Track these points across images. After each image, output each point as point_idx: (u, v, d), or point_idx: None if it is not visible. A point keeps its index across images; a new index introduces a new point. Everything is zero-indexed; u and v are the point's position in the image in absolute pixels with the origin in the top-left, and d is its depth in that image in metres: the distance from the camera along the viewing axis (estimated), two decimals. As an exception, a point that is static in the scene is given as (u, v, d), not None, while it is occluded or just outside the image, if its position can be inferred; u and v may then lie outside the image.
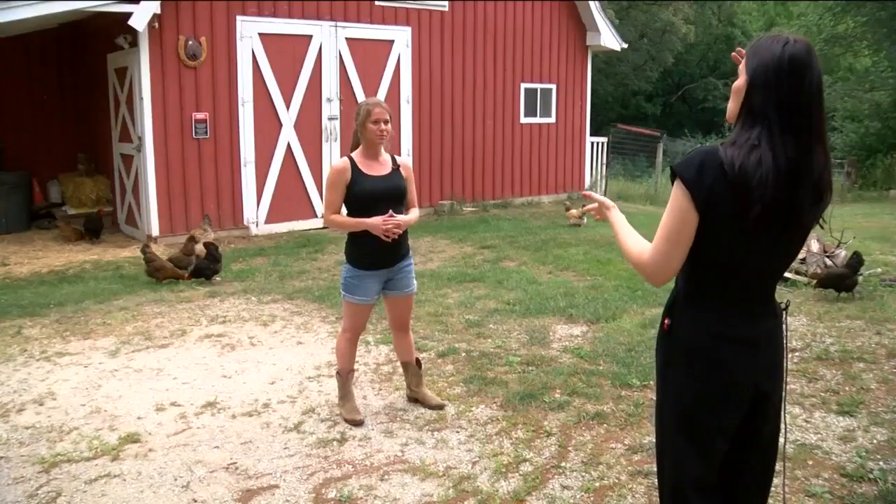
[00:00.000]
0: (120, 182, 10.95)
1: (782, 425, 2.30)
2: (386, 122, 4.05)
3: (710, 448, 2.18)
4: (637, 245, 2.22)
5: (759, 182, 1.94)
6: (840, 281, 6.68)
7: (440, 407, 4.43)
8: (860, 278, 6.86)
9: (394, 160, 4.23)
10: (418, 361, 4.55)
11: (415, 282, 4.37)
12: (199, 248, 8.48)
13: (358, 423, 4.22)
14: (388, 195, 4.08)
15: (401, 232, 4.10)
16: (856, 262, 6.75)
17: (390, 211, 4.06)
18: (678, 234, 2.05)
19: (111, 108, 10.94)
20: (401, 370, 5.08)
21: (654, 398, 2.32)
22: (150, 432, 4.20)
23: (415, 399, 4.52)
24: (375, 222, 4.01)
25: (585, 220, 11.36)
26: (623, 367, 5.06)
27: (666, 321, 2.19)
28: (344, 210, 4.14)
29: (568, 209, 11.56)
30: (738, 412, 2.17)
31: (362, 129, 4.08)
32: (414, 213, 4.25)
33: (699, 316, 2.13)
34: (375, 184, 4.07)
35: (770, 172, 1.95)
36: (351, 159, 4.11)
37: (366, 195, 4.04)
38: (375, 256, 4.11)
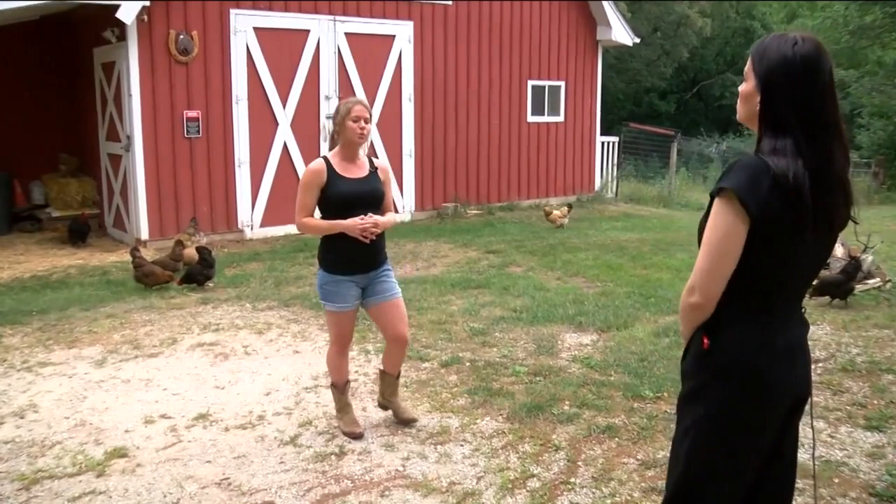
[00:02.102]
0: (107, 183, 10.98)
1: (806, 440, 2.30)
2: (366, 120, 4.05)
3: (745, 469, 2.20)
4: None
5: (807, 189, 1.99)
6: (835, 288, 6.68)
7: (412, 420, 4.40)
8: (857, 285, 6.87)
9: (371, 162, 4.22)
10: (398, 374, 4.54)
11: (398, 287, 4.32)
12: (189, 253, 8.49)
13: (357, 437, 4.22)
14: (364, 199, 4.07)
15: (378, 232, 4.07)
16: (852, 268, 6.74)
17: (369, 213, 4.05)
18: (726, 249, 2.06)
19: (98, 106, 10.96)
20: (403, 379, 5.08)
21: (677, 417, 2.30)
22: (139, 446, 4.20)
23: (384, 407, 4.51)
24: (352, 223, 3.99)
25: (567, 220, 11.43)
26: (635, 378, 5.04)
27: (704, 339, 2.17)
28: (317, 214, 4.13)
29: (548, 213, 11.56)
30: (779, 429, 2.20)
31: (341, 128, 4.07)
32: (391, 216, 4.24)
33: (744, 331, 2.14)
34: (352, 187, 4.06)
35: (807, 177, 1.99)
36: (326, 160, 4.10)
37: (341, 198, 4.03)
38: (351, 261, 4.09)
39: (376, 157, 4.37)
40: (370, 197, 4.10)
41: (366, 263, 4.14)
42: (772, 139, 2.05)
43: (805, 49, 2.03)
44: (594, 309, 6.76)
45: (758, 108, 2.10)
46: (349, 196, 4.03)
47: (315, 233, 4.14)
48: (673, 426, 2.37)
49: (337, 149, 4.14)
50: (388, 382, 4.48)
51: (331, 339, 4.32)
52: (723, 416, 2.16)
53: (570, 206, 12.12)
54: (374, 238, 4.07)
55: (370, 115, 4.09)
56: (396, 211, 4.19)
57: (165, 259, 8.12)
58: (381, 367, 4.56)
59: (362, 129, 4.04)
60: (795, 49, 2.03)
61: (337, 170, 4.07)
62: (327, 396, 4.79)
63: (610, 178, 15.69)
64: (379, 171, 4.21)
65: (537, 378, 5.12)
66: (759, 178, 2.01)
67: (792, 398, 2.19)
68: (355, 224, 3.99)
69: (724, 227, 2.04)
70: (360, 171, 4.14)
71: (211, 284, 7.78)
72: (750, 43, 30.31)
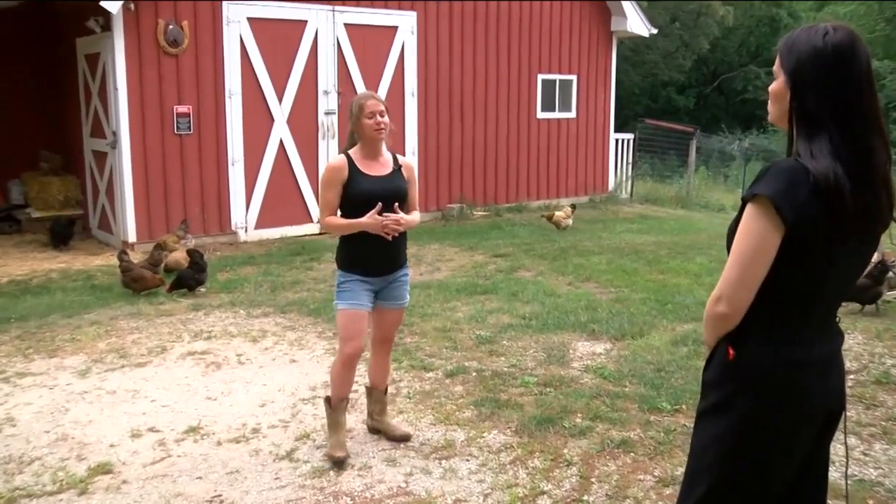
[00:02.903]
0: (92, 182, 11.00)
1: (837, 457, 2.30)
2: (382, 113, 4.05)
3: (775, 488, 2.18)
4: None
5: (849, 191, 1.97)
6: (860, 293, 6.68)
7: (406, 438, 4.39)
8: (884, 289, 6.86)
9: (395, 159, 4.23)
10: (386, 389, 4.53)
11: (408, 295, 4.36)
12: (177, 258, 8.50)
13: (338, 462, 4.10)
14: (387, 197, 4.07)
15: (401, 230, 4.09)
16: (879, 271, 6.74)
17: (395, 207, 4.06)
18: (757, 258, 2.04)
19: (81, 100, 10.97)
20: (406, 390, 5.09)
21: (694, 431, 2.29)
22: (124, 462, 4.20)
23: (376, 430, 4.49)
24: (373, 221, 3.99)
25: (571, 220, 11.45)
26: (652, 390, 5.04)
27: (730, 350, 2.16)
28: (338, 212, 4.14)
29: (551, 216, 11.56)
30: (811, 443, 2.19)
31: (358, 127, 4.09)
32: (415, 216, 4.26)
33: (773, 341, 2.13)
34: (374, 184, 4.07)
35: (847, 179, 1.98)
36: (349, 157, 4.12)
37: (363, 197, 4.04)
38: (371, 262, 4.10)
39: (402, 155, 4.37)
40: (394, 195, 4.10)
41: (385, 264, 4.15)
42: (806, 139, 2.03)
43: (837, 38, 2.00)
44: (608, 316, 6.76)
45: (789, 106, 2.08)
46: (372, 194, 4.03)
47: (337, 231, 4.14)
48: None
49: (358, 146, 4.15)
50: (376, 399, 4.47)
51: (340, 346, 4.25)
52: (749, 432, 2.14)
53: (573, 206, 12.12)
54: (396, 236, 4.07)
55: (385, 107, 4.08)
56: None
57: (145, 265, 8.08)
58: (367, 384, 4.55)
59: (378, 123, 4.04)
60: (827, 39, 2.00)
61: (359, 167, 4.08)
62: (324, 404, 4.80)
63: (624, 178, 15.68)
64: (403, 169, 4.22)
65: (547, 389, 5.11)
66: (797, 184, 1.99)
67: (825, 412, 2.18)
68: (376, 223, 3.98)
69: (757, 235, 2.02)
70: (384, 168, 4.15)
71: (202, 290, 7.79)
72: (776, 32, 30.24)
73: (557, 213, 11.59)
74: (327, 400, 4.29)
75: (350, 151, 4.15)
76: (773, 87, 2.13)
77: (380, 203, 4.00)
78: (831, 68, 2.00)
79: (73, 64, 11.06)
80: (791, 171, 2.01)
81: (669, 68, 30.63)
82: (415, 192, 4.30)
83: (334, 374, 4.29)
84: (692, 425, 2.33)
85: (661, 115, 27.36)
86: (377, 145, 4.13)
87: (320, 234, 11.07)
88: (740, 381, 2.15)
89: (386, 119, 4.07)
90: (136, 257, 8.75)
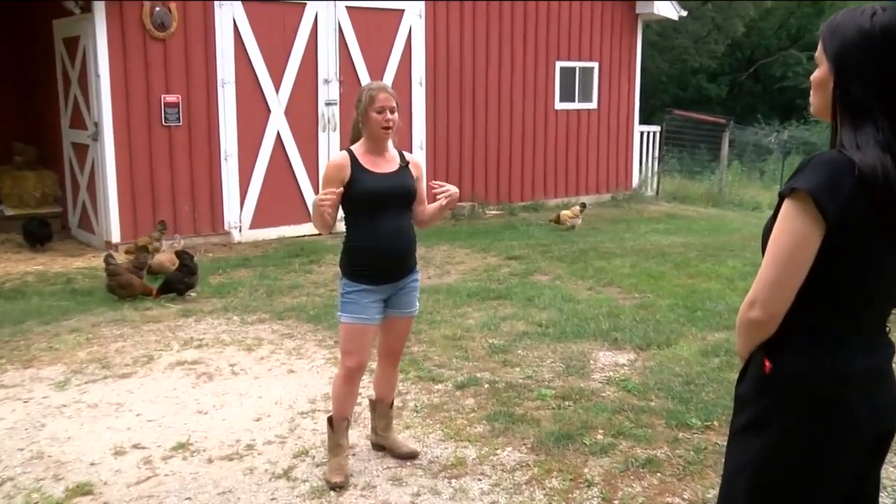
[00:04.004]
0: (72, 177, 11.04)
1: (889, 481, 2.28)
2: (392, 110, 4.04)
3: None
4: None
5: None
6: None
7: (413, 455, 4.39)
8: None
9: (402, 156, 4.24)
10: (392, 403, 4.54)
11: (418, 302, 4.37)
12: (162, 260, 8.51)
13: (336, 487, 4.09)
14: (393, 196, 4.07)
15: (332, 204, 3.96)
16: None
17: (403, 212, 4.07)
18: (795, 259, 2.02)
19: (60, 88, 10.99)
20: (413, 403, 5.10)
21: (728, 450, 2.28)
22: (106, 482, 4.20)
23: (381, 446, 4.50)
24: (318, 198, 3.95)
25: (580, 220, 11.46)
26: (680, 404, 5.03)
27: (765, 361, 2.14)
28: (341, 213, 4.14)
29: (558, 218, 11.54)
30: (858, 465, 2.16)
31: (364, 119, 4.08)
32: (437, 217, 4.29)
33: (814, 351, 2.10)
34: (379, 182, 4.07)
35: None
36: (351, 153, 4.13)
37: (368, 195, 4.03)
38: (376, 267, 4.10)
39: (408, 152, 4.38)
40: (401, 193, 4.10)
41: (394, 270, 4.15)
42: (852, 130, 2.01)
43: (887, 19, 1.98)
44: (632, 324, 6.75)
45: (832, 95, 2.06)
46: (377, 192, 4.03)
47: (315, 223, 4.09)
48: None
49: (362, 140, 4.15)
50: (381, 413, 4.47)
51: (342, 360, 4.25)
52: (787, 453, 2.12)
53: (583, 205, 12.11)
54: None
55: (397, 103, 4.08)
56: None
57: (130, 268, 8.08)
58: (372, 396, 4.56)
59: (387, 120, 4.03)
60: (875, 20, 1.99)
61: (362, 163, 4.08)
62: (325, 423, 4.80)
63: (650, 174, 15.66)
64: (410, 166, 4.22)
65: (566, 403, 5.11)
66: (841, 178, 1.97)
67: (874, 432, 2.14)
68: (317, 199, 3.94)
69: (795, 233, 2.01)
70: (389, 164, 4.15)
71: (193, 294, 7.82)
72: (820, 14, 29.97)
73: (563, 213, 11.59)
74: (330, 420, 4.29)
75: (353, 147, 4.15)
76: (815, 75, 2.11)
77: (342, 188, 3.99)
78: (880, 52, 1.98)
79: (49, 48, 11.05)
80: (834, 163, 2.00)
81: (700, 54, 30.50)
82: (424, 190, 4.31)
83: (335, 390, 4.29)
84: (725, 444, 2.32)
85: (691, 105, 27.28)
86: (383, 142, 4.14)
87: (320, 233, 11.09)
88: (776, 395, 2.13)
89: (395, 116, 4.06)
90: (120, 259, 8.76)
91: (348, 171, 4.06)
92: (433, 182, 4.17)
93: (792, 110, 28.72)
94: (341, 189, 3.97)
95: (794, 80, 29.82)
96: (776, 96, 31.82)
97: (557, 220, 11.52)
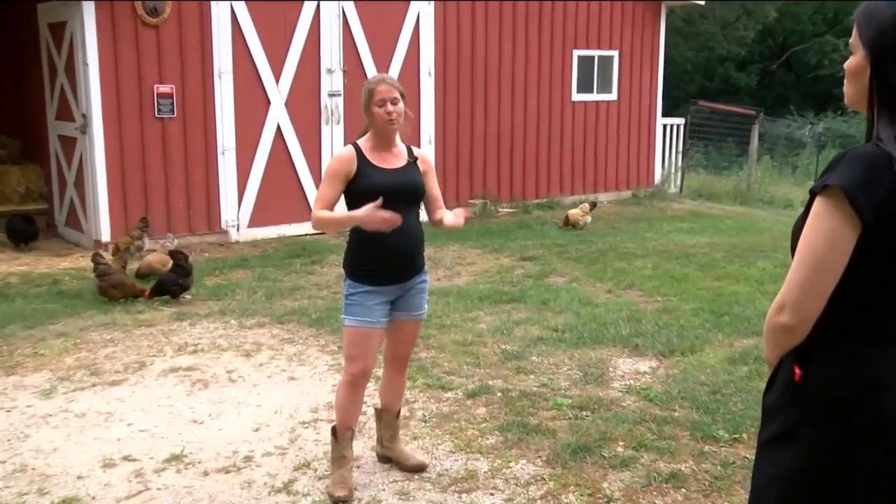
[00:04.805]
0: (58, 172, 11.06)
1: None
2: (395, 101, 4.06)
3: None
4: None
5: None
6: None
7: (421, 468, 4.40)
8: None
9: (410, 151, 4.26)
10: (399, 412, 4.54)
11: (427, 305, 4.38)
12: (151, 261, 8.52)
13: (340, 501, 4.09)
14: (401, 192, 4.08)
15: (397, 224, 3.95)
16: None
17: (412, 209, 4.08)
18: (828, 260, 2.02)
19: (45, 77, 10.98)
20: (421, 413, 5.11)
21: (756, 464, 2.28)
22: (94, 496, 4.21)
23: (387, 458, 4.50)
24: (367, 214, 3.87)
25: (590, 218, 11.48)
26: (706, 415, 5.02)
27: (796, 369, 2.14)
28: (345, 209, 4.14)
29: (567, 219, 11.51)
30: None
31: (368, 116, 4.13)
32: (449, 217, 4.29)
33: (848, 358, 2.10)
34: (386, 178, 4.08)
35: None
36: (357, 147, 4.15)
37: (374, 191, 4.04)
38: (382, 267, 4.11)
39: (417, 147, 4.39)
40: (409, 190, 4.12)
41: (401, 270, 4.16)
42: (889, 122, 2.00)
43: None
44: (654, 329, 6.75)
45: (869, 85, 2.05)
46: (384, 188, 4.03)
47: (329, 228, 4.13)
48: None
49: (368, 135, 4.18)
50: (387, 423, 4.48)
51: (345, 367, 4.27)
52: (819, 468, 2.11)
53: (593, 203, 12.10)
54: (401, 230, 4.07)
55: (400, 93, 4.09)
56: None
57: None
58: (378, 405, 4.57)
59: (390, 113, 4.05)
60: None
61: (369, 158, 4.11)
62: (328, 433, 4.81)
63: (673, 170, 15.64)
64: (419, 162, 4.25)
65: (584, 413, 5.11)
66: (878, 173, 1.96)
67: None
68: (369, 216, 3.87)
69: (828, 232, 2.00)
70: (397, 160, 4.18)
71: (187, 296, 7.84)
72: (858, -5, 29.69)
73: (572, 212, 11.58)
74: (333, 430, 4.30)
75: (359, 141, 4.18)
76: (849, 63, 2.11)
77: (381, 198, 3.98)
78: None
79: (34, 34, 11.03)
80: (869, 157, 1.99)
81: (728, 40, 30.37)
82: (436, 187, 4.32)
83: (339, 399, 4.30)
84: (753, 457, 2.31)
85: (718, 95, 27.23)
86: (389, 136, 4.15)
87: (322, 233, 11.11)
88: (808, 406, 2.12)
89: (400, 107, 4.07)
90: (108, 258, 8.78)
91: (355, 166, 4.08)
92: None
93: (828, 101, 28.34)
94: (380, 201, 3.95)
95: (830, 69, 29.44)
96: (810, 86, 31.61)
97: (567, 222, 11.50)
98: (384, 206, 4.00)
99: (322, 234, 10.99)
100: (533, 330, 6.82)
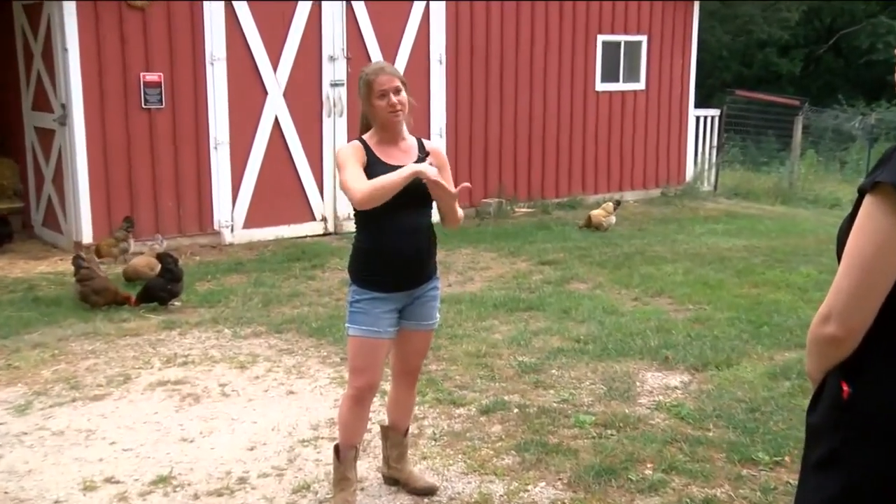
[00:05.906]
0: (35, 167, 11.08)
1: None
2: (397, 90, 4.04)
3: None
4: None
5: None
6: None
7: (431, 490, 4.40)
8: None
9: (420, 145, 4.26)
10: (407, 430, 4.55)
11: (438, 314, 4.37)
12: (137, 264, 8.54)
13: None
14: (412, 189, 4.08)
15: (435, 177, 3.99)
16: None
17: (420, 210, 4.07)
18: (879, 265, 2.00)
19: (20, 63, 11.00)
20: (431, 430, 5.11)
21: (799, 489, 2.28)
22: (78, 519, 4.24)
23: (394, 480, 4.50)
24: (415, 168, 3.93)
25: (614, 218, 11.50)
26: (744, 435, 5.01)
27: (843, 385, 2.13)
28: (350, 211, 4.15)
29: (588, 220, 11.49)
30: None
31: (369, 110, 4.12)
32: (460, 211, 4.30)
33: None
34: None
35: None
36: (363, 142, 4.15)
37: None
38: (390, 272, 4.11)
39: (427, 139, 4.39)
40: (419, 186, 4.08)
41: (410, 276, 4.16)
42: None
43: None
44: (685, 340, 6.74)
45: None
46: None
47: (388, 192, 3.91)
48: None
49: (373, 130, 4.18)
50: (394, 442, 4.48)
51: (349, 380, 4.26)
52: (868, 494, 2.10)
53: (617, 202, 12.09)
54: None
55: (401, 82, 4.08)
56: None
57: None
58: (385, 422, 4.57)
59: (393, 105, 4.04)
60: None
61: (377, 154, 4.10)
62: (330, 452, 4.82)
63: (707, 166, 15.61)
64: (431, 156, 4.24)
65: (608, 431, 5.11)
66: None
67: None
68: (414, 169, 3.92)
69: (879, 234, 1.99)
70: (406, 156, 4.17)
71: (177, 303, 7.86)
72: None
73: (594, 213, 11.56)
74: (336, 449, 4.30)
75: (364, 137, 4.18)
76: None
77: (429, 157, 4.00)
78: None
79: (7, 17, 11.03)
80: None
81: (769, 23, 30.15)
82: (451, 183, 4.29)
83: (342, 415, 4.29)
84: (797, 482, 2.30)
85: (758, 84, 27.12)
86: (395, 129, 4.14)
87: (325, 234, 11.14)
88: (856, 426, 2.11)
89: (403, 96, 4.06)
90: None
91: (365, 157, 4.08)
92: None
93: (881, 89, 27.85)
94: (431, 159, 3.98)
95: (883, 53, 28.78)
96: (861, 72, 31.21)
97: (589, 223, 11.49)
98: (392, 207, 4.00)
99: (325, 234, 11.06)
100: (553, 340, 6.82)
